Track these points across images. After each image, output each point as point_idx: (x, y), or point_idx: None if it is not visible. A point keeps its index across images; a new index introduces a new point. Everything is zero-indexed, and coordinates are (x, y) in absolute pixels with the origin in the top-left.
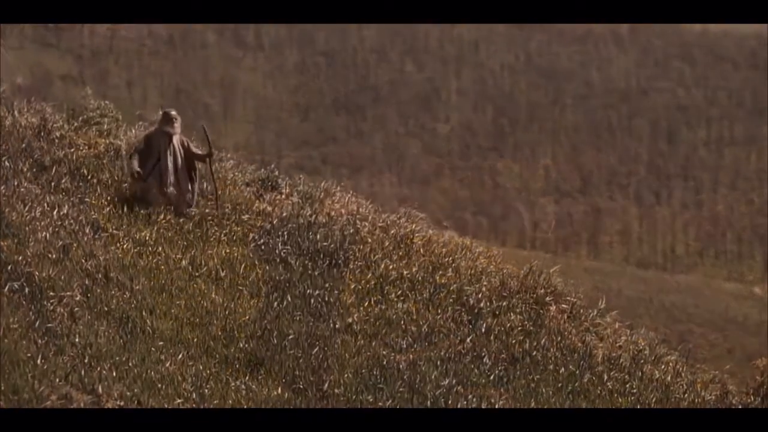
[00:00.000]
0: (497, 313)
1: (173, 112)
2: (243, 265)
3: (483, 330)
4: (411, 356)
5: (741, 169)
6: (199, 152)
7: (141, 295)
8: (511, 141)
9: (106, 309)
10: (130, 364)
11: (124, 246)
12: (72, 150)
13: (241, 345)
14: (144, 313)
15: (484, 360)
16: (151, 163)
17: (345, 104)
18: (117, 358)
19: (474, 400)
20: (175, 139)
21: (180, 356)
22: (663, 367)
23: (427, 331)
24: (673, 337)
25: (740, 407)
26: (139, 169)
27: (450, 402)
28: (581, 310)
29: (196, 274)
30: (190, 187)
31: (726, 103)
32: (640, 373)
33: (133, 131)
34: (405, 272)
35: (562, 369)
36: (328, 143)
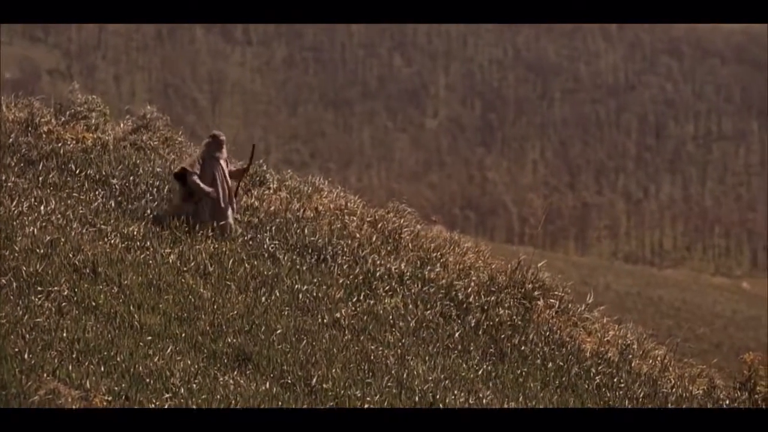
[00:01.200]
0: (485, 308)
1: (223, 137)
2: (231, 260)
3: (471, 325)
4: (399, 351)
5: (729, 163)
6: (233, 168)
7: (129, 290)
8: (499, 136)
9: (93, 304)
10: (118, 359)
11: (112, 241)
12: (59, 144)
13: (229, 340)
14: (132, 308)
15: (473, 354)
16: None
17: (333, 99)
18: (105, 353)
19: (462, 394)
20: (222, 161)
21: (168, 351)
22: (651, 361)
23: (415, 326)
24: (661, 332)
25: (727, 402)
26: (214, 193)
27: (438, 396)
28: (569, 305)
29: (184, 269)
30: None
31: (714, 97)
32: (628, 368)
33: (121, 125)
34: (393, 267)
35: (550, 363)
36: (316, 138)
